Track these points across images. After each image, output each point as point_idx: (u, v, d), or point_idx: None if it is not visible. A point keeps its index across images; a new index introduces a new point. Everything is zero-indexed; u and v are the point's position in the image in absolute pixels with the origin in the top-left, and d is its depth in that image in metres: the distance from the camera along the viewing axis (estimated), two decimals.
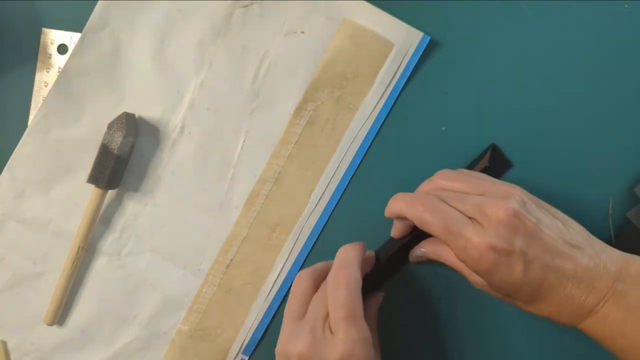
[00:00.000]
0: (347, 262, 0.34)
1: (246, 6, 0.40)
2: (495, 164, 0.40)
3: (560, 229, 0.33)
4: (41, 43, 0.41)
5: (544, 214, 0.33)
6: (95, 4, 0.40)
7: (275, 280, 0.41)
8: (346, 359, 0.31)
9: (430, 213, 0.33)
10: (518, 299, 0.33)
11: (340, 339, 0.32)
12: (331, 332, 0.33)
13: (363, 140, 0.41)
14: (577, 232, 0.33)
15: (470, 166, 0.40)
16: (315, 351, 0.32)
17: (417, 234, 0.38)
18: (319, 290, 0.35)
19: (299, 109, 0.40)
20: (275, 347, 0.41)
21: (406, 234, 0.38)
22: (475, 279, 0.35)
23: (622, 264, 0.33)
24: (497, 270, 0.32)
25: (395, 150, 0.41)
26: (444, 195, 0.34)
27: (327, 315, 0.33)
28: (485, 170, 0.39)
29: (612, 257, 0.33)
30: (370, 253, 0.39)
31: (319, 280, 0.36)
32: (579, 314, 0.32)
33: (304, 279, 0.36)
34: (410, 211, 0.34)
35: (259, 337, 0.41)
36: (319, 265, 0.37)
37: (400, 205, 0.35)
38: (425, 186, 0.36)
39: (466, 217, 0.33)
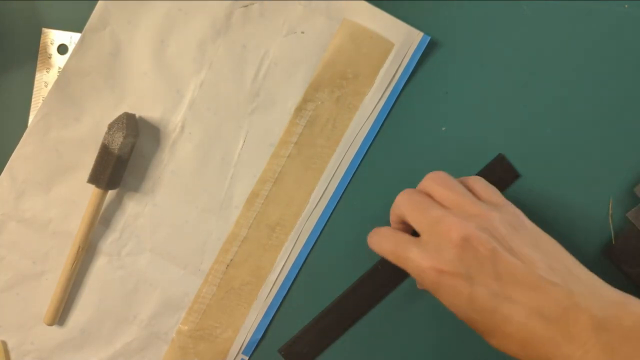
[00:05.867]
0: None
1: (246, 6, 0.40)
2: (502, 175, 0.39)
3: (534, 260, 0.30)
4: (41, 43, 0.41)
5: (520, 240, 0.31)
6: (95, 4, 0.40)
7: (275, 280, 0.41)
8: None
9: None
10: (476, 328, 0.31)
11: None
12: None
13: (363, 140, 0.41)
14: (561, 266, 0.30)
15: None
16: None
17: None
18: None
19: (299, 109, 0.40)
20: (275, 347, 0.41)
21: None
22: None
23: (614, 311, 0.28)
24: (443, 291, 0.31)
25: (395, 150, 0.41)
26: (417, 201, 0.34)
27: None
28: (491, 182, 0.39)
29: (603, 301, 0.28)
30: None
31: None
32: None
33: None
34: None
35: (259, 337, 0.41)
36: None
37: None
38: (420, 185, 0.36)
39: (412, 238, 0.33)
